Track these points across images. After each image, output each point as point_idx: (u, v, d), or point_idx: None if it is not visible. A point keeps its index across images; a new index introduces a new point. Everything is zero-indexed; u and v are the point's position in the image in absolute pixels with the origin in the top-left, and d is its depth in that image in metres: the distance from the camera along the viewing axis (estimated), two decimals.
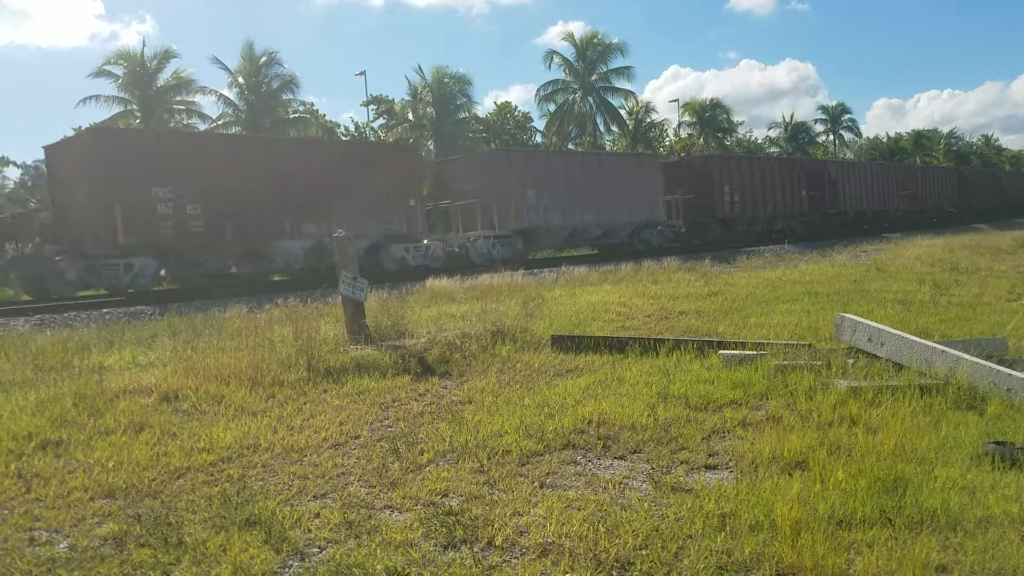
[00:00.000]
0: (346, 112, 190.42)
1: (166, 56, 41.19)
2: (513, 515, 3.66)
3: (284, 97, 44.07)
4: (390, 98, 47.86)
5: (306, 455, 4.78)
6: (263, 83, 42.56)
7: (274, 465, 4.61)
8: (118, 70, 40.47)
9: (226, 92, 42.64)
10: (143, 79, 40.39)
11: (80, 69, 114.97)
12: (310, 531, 3.58)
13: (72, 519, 3.84)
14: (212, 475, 4.46)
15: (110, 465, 4.57)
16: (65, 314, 13.86)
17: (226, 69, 42.29)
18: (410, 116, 47.01)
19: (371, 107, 47.57)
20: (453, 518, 3.56)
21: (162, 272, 18.58)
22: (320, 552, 3.38)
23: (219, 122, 42.75)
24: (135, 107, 40.72)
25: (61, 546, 3.53)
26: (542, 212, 25.40)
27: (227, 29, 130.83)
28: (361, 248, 18.53)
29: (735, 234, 32.70)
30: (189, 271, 18.97)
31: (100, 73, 40.19)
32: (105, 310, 14.43)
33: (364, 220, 20.40)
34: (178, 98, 42.28)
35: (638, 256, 23.36)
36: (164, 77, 41.41)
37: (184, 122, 42.21)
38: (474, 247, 23.73)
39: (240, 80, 42.32)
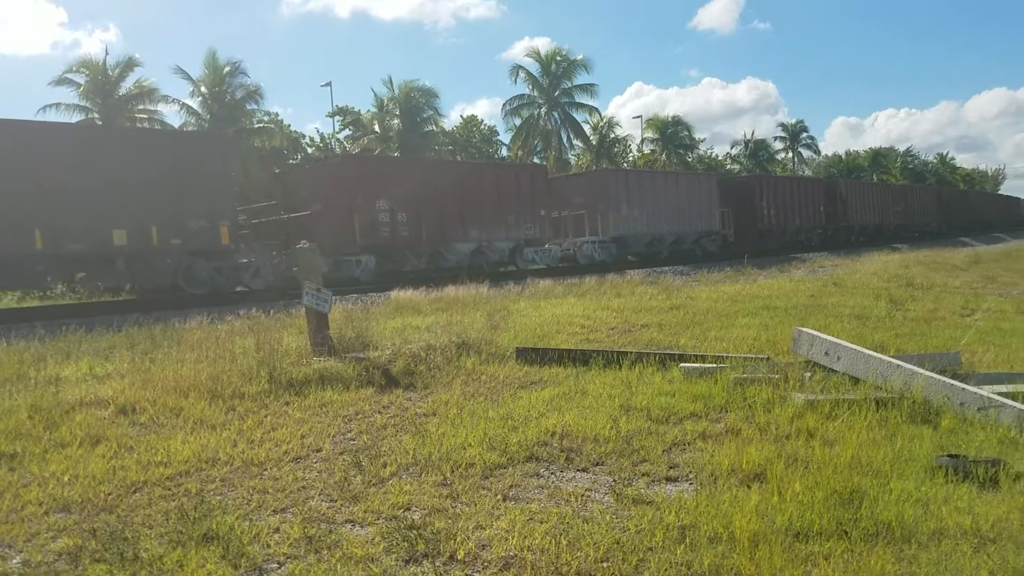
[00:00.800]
0: (312, 123, 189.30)
1: (129, 65, 40.58)
2: (476, 528, 3.66)
3: (248, 107, 43.65)
4: (356, 109, 47.85)
5: (266, 469, 4.73)
6: (227, 93, 42.11)
7: (233, 479, 4.55)
8: (80, 78, 39.73)
9: (189, 101, 42.20)
10: (105, 87, 39.71)
11: (42, 77, 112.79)
12: (269, 546, 3.54)
13: (26, 534, 3.76)
14: (169, 489, 4.39)
15: (65, 479, 4.49)
16: (21, 324, 13.54)
17: (189, 78, 41.85)
18: (376, 128, 46.93)
19: (337, 118, 47.49)
20: (415, 532, 3.55)
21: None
22: (279, 567, 3.35)
23: None
24: (96, 115, 40.05)
25: (14, 561, 3.45)
26: (632, 222, 29.73)
27: (191, 39, 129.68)
28: (507, 249, 25.05)
29: (770, 243, 35.87)
30: (394, 267, 22.79)
31: (61, 81, 39.40)
32: (62, 320, 14.13)
33: (510, 227, 25.20)
34: (140, 107, 41.67)
35: (604, 270, 23.73)
36: (126, 86, 40.83)
37: None
38: (581, 251, 28.36)
39: (203, 90, 41.85)
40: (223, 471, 4.68)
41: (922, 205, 52.40)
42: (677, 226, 31.77)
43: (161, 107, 42.27)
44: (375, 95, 47.52)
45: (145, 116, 41.92)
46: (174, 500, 4.18)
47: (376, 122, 46.99)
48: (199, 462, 4.83)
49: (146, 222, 17.09)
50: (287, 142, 44.50)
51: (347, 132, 47.97)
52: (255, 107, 43.87)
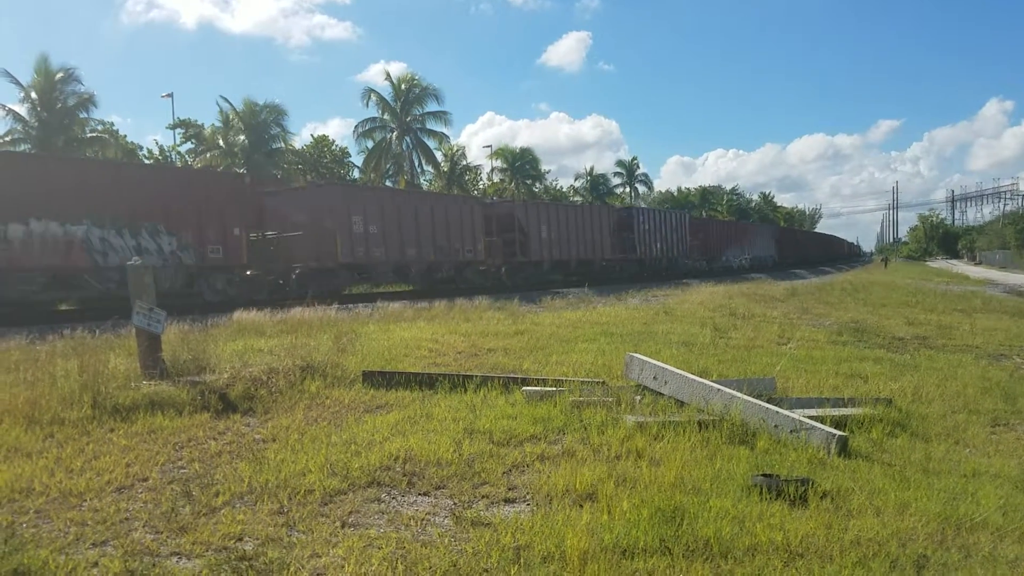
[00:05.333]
0: (152, 135, 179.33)
1: None
2: (311, 557, 3.61)
3: (81, 115, 40.99)
4: (199, 123, 45.94)
5: (86, 499, 4.45)
6: (58, 99, 39.41)
7: (49, 511, 4.26)
8: None
9: (17, 107, 39.11)
10: None
11: None
12: None
13: None
14: None
15: None
16: None
17: (17, 83, 38.83)
18: (220, 143, 45.20)
19: (178, 130, 45.38)
20: (247, 563, 3.46)
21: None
22: None
23: (6, 139, 39.02)
24: None
25: None
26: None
27: (21, 42, 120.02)
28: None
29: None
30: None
31: None
32: None
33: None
34: None
35: (452, 294, 23.64)
36: None
37: None
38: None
39: (33, 96, 38.97)
40: (38, 502, 4.37)
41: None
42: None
43: None
44: (220, 109, 45.87)
45: None
46: None
47: (220, 137, 45.28)
48: (12, 492, 4.49)
49: None
50: (122, 153, 41.98)
51: (189, 145, 45.93)
52: (87, 116, 41.30)
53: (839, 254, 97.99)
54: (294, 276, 22.48)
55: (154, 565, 3.52)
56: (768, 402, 6.13)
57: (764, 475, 4.62)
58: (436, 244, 26.22)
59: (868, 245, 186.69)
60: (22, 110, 39.19)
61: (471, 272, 28.36)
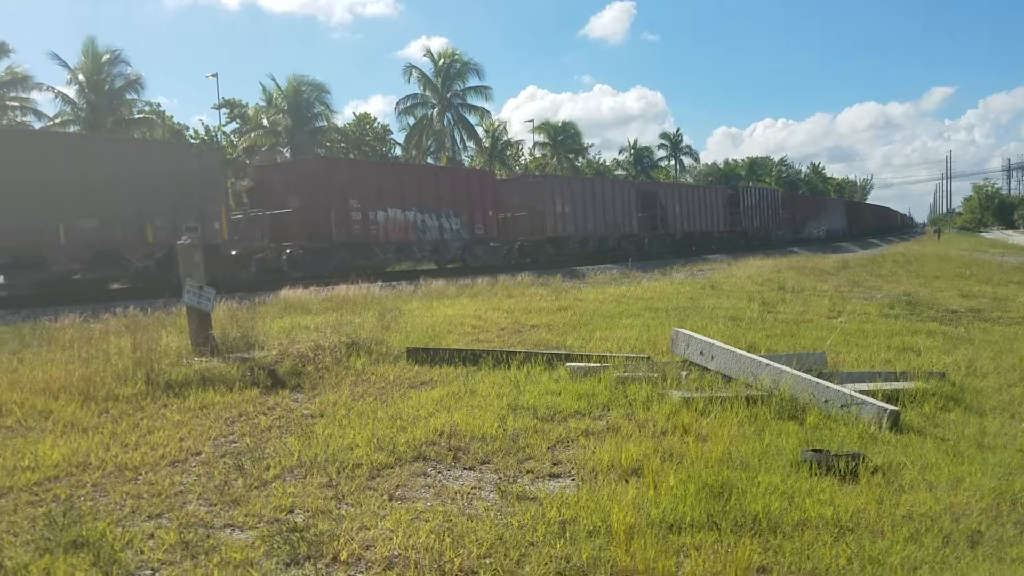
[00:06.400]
0: (197, 115, 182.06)
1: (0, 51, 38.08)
2: (360, 529, 3.66)
3: (128, 97, 41.75)
4: (244, 102, 46.41)
5: (141, 473, 4.56)
6: (106, 82, 40.16)
7: (105, 484, 4.38)
8: None
9: (65, 90, 39.96)
10: None
11: None
12: (143, 553, 3.43)
13: None
14: (37, 495, 4.18)
15: None
16: None
17: (65, 66, 39.66)
18: (265, 122, 45.66)
19: (223, 110, 45.93)
20: (297, 534, 3.52)
21: None
22: (153, 574, 3.25)
23: (56, 120, 39.93)
24: None
25: None
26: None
27: (69, 26, 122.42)
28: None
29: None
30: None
31: None
32: None
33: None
34: (12, 95, 39.16)
35: (494, 271, 23.88)
36: None
37: (19, 120, 39.09)
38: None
39: (81, 78, 39.75)
40: (95, 476, 4.49)
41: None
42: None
43: (35, 95, 39.97)
44: (263, 89, 46.27)
45: (17, 104, 39.46)
46: (42, 506, 3.99)
47: (264, 116, 45.74)
48: (69, 467, 4.61)
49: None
50: (169, 134, 42.70)
51: (234, 125, 46.49)
52: (135, 97, 42.03)
53: (891, 226, 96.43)
54: (516, 247, 30.64)
55: (208, 536, 3.59)
56: (818, 377, 6.04)
57: (814, 450, 4.56)
58: (605, 220, 33.55)
59: (920, 216, 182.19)
60: (71, 92, 40.04)
61: (627, 242, 34.73)
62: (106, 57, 40.03)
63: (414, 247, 25.89)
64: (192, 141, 42.93)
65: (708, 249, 40.32)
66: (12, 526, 3.73)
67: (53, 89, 40.01)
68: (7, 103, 39.15)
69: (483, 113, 54.68)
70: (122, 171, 17.92)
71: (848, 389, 5.73)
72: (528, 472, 4.54)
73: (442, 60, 52.77)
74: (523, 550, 3.39)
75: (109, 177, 17.61)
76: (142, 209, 18.27)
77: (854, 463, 4.37)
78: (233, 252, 21.11)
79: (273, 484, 4.32)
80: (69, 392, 6.23)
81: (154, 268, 18.60)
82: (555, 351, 7.86)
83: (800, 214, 54.55)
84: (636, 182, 44.32)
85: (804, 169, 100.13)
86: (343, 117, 54.92)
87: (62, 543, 3.43)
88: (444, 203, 26.53)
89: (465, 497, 4.13)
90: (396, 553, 3.37)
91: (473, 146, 55.71)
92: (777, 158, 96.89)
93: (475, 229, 27.69)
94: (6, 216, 16.03)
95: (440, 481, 4.42)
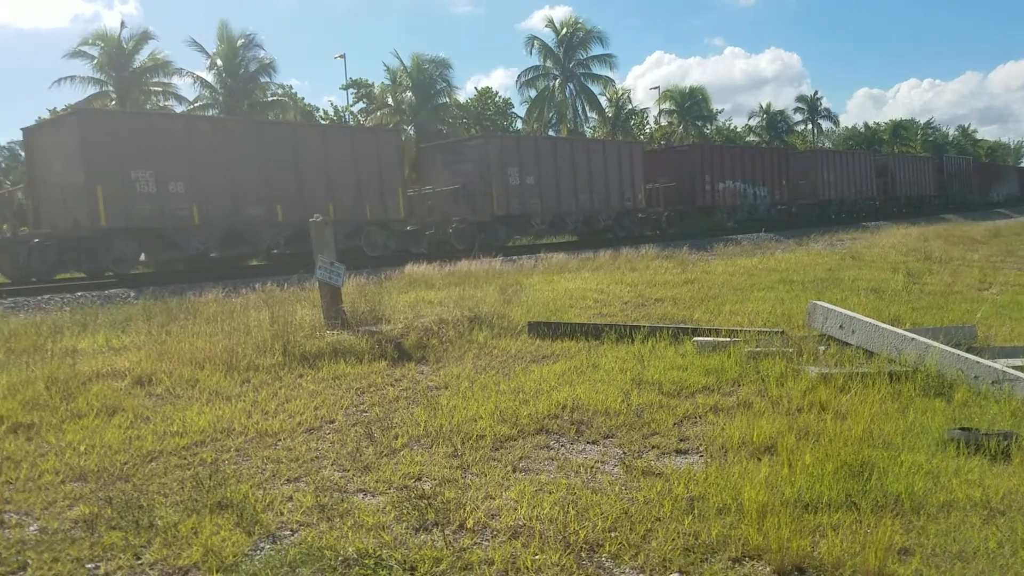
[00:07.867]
0: (326, 96, 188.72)
1: (143, 37, 40.66)
2: (485, 498, 3.69)
3: (262, 80, 43.67)
4: (370, 82, 47.64)
5: (280, 439, 4.78)
6: (241, 65, 42.09)
7: (247, 449, 4.61)
8: (94, 51, 39.83)
9: (203, 74, 42.21)
10: (119, 60, 39.79)
11: (61, 51, 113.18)
12: (282, 514, 3.59)
13: (43, 502, 3.82)
14: (185, 459, 4.45)
15: (82, 448, 4.55)
16: (39, 297, 13.69)
17: (203, 51, 41.83)
18: (390, 101, 46.75)
19: (350, 91, 47.32)
20: (425, 501, 3.58)
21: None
22: (292, 535, 3.39)
23: (196, 104, 42.29)
24: (111, 88, 40.13)
25: (31, 528, 3.52)
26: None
27: (206, 10, 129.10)
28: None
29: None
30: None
31: (76, 54, 39.50)
32: (79, 293, 14.27)
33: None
34: (155, 80, 41.75)
35: (618, 243, 23.66)
36: (141, 59, 40.89)
37: (161, 104, 41.68)
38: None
39: (218, 62, 41.84)
40: (238, 441, 4.73)
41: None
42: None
43: (175, 80, 42.37)
44: (387, 68, 47.30)
45: (159, 89, 42.00)
46: (189, 469, 4.23)
47: (388, 95, 46.81)
48: (214, 432, 4.88)
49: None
50: (300, 115, 44.44)
51: (361, 105, 47.85)
52: (268, 80, 43.88)
53: None
54: (665, 217, 31.37)
55: (342, 500, 3.72)
56: (967, 351, 5.65)
57: (962, 429, 4.30)
58: (755, 191, 34.91)
59: None
60: (209, 77, 42.22)
61: (775, 212, 35.77)
62: (240, 41, 41.82)
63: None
64: (321, 121, 44.54)
65: (851, 218, 40.47)
66: (163, 487, 3.98)
67: (192, 74, 42.29)
68: (151, 87, 41.71)
69: (606, 82, 53.82)
70: (338, 155, 20.25)
71: (1000, 364, 5.35)
72: (653, 447, 4.45)
73: (564, 29, 52.23)
74: (649, 525, 3.32)
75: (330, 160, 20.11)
76: (328, 190, 19.96)
77: (1006, 442, 4.10)
78: (408, 228, 22.60)
79: (401, 452, 4.43)
80: (213, 363, 6.59)
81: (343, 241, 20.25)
82: (681, 325, 7.68)
83: (976, 181, 56.96)
84: (788, 150, 44.76)
85: (952, 132, 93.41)
86: (465, 92, 55.37)
87: (208, 504, 3.63)
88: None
89: (589, 471, 4.09)
90: (521, 523, 3.38)
91: (595, 116, 55.06)
92: (923, 121, 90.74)
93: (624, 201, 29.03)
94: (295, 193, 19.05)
95: (563, 454, 4.39)
